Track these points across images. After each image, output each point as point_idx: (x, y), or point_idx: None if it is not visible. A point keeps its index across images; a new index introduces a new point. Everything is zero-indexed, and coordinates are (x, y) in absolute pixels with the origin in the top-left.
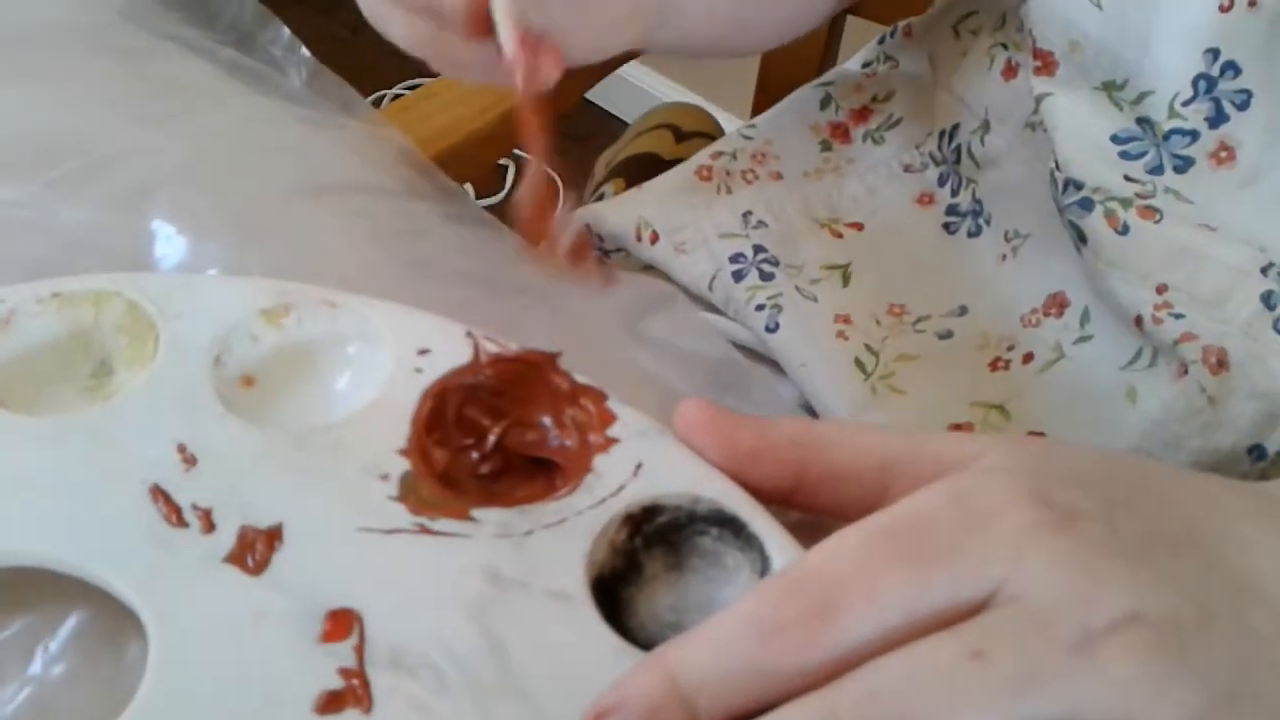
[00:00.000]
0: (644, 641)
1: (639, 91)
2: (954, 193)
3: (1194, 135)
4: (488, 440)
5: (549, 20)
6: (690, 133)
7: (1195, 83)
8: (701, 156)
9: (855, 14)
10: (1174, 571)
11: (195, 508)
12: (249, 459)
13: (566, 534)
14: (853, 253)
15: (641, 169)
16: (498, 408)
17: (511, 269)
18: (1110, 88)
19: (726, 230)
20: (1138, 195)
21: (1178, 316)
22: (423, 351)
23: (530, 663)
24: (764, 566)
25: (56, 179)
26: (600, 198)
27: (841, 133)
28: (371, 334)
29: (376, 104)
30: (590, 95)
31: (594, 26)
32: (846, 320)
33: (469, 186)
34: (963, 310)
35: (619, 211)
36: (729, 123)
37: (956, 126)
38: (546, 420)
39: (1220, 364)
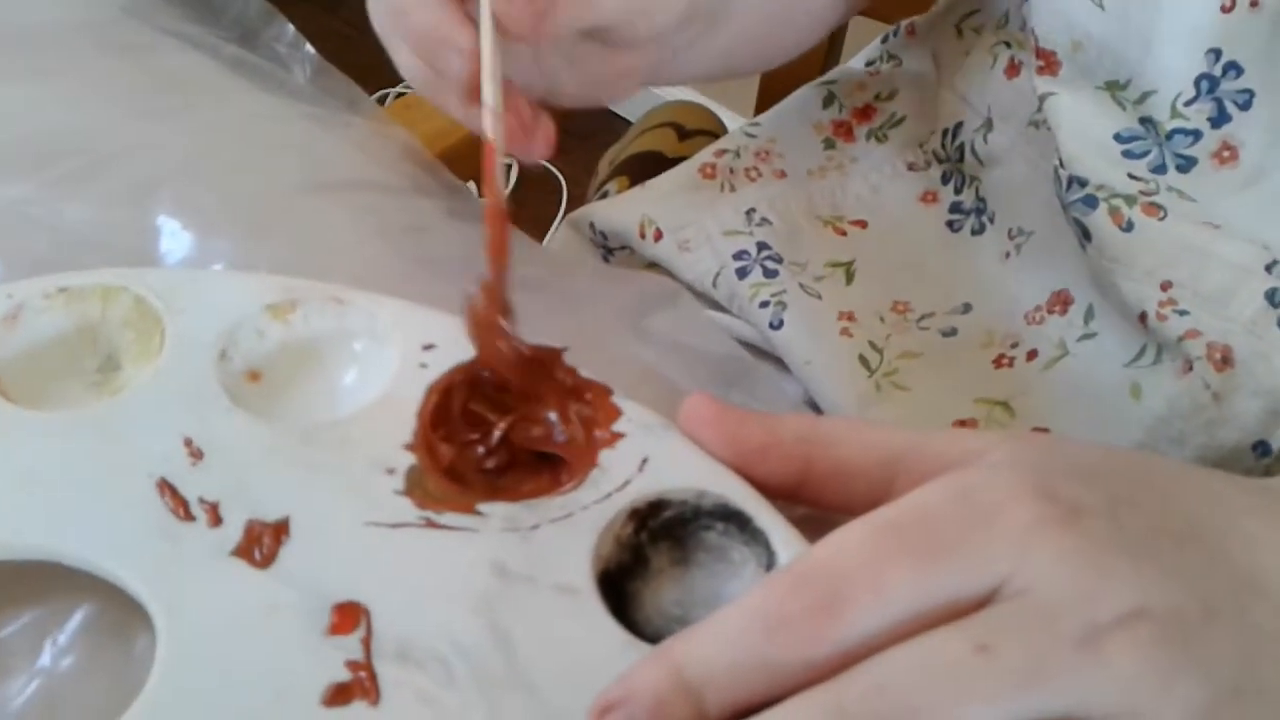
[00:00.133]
0: (650, 636)
1: (642, 90)
2: (957, 191)
3: (1196, 135)
4: (493, 435)
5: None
6: (693, 131)
7: (1197, 83)
8: (705, 154)
9: (860, 13)
10: (1178, 566)
11: (202, 501)
12: (256, 453)
13: (573, 528)
14: (856, 250)
15: (645, 167)
16: (503, 403)
17: (517, 266)
18: (1113, 87)
19: (730, 228)
20: (1142, 193)
21: (1182, 313)
22: (428, 347)
23: (537, 656)
24: (770, 561)
25: (61, 176)
26: (604, 195)
27: (845, 131)
28: (378, 330)
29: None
30: None
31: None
32: (850, 317)
33: (471, 184)
34: (966, 307)
35: (623, 209)
36: (732, 121)
37: (960, 125)
38: (552, 415)
39: (1225, 361)
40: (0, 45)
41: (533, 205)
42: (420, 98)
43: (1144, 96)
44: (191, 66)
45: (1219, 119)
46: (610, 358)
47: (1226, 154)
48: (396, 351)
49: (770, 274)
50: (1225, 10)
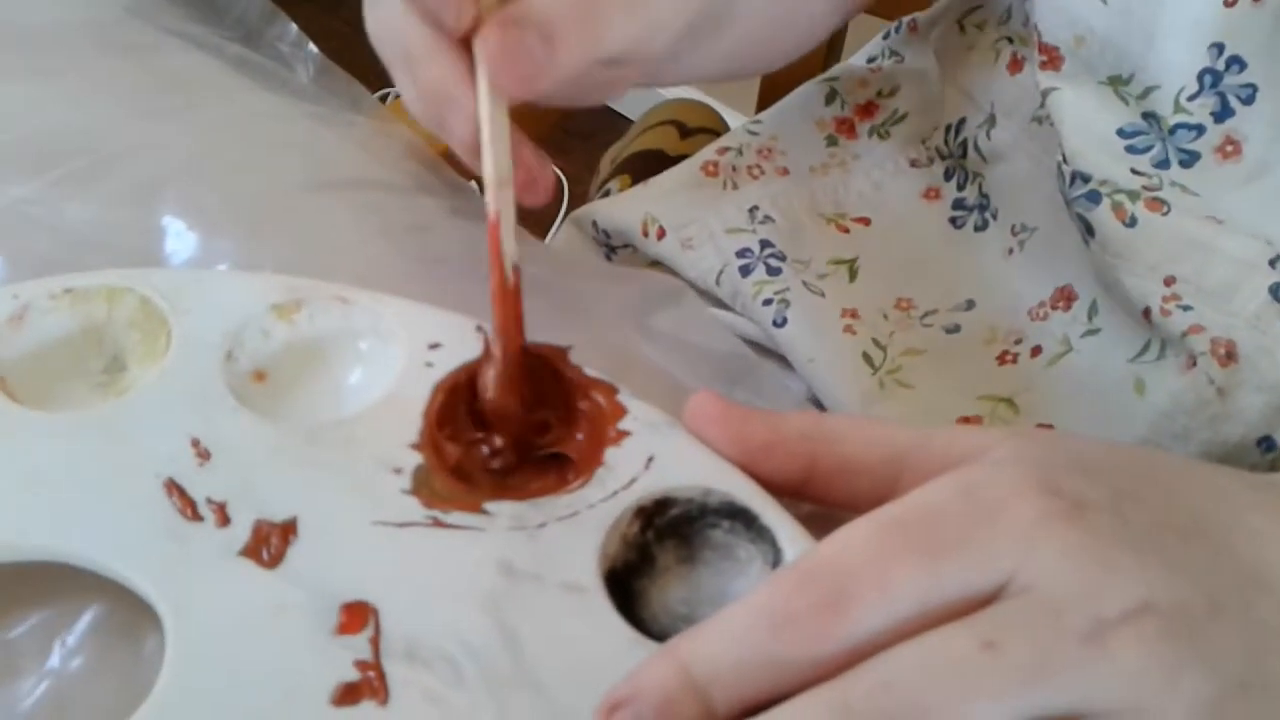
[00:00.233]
0: (657, 634)
1: (643, 88)
2: (960, 187)
3: (1200, 130)
4: (495, 439)
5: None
6: (695, 129)
7: (1200, 77)
8: (707, 152)
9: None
10: (1184, 561)
11: (210, 501)
12: (262, 453)
13: (579, 527)
14: (859, 247)
15: (647, 165)
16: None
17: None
18: (1116, 82)
19: (733, 225)
20: (1145, 188)
21: (1186, 309)
22: (434, 346)
23: (544, 654)
24: (776, 558)
25: (64, 176)
26: (606, 194)
27: (847, 128)
28: (383, 329)
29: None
30: None
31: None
32: (854, 315)
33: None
34: (970, 304)
35: (625, 207)
36: (733, 119)
37: (963, 121)
38: (558, 414)
39: (1229, 356)
40: (3, 45)
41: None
42: None
43: (1147, 91)
44: (195, 66)
45: (1222, 113)
46: (615, 356)
47: (1229, 149)
48: (402, 350)
49: (773, 272)
50: (1228, 4)
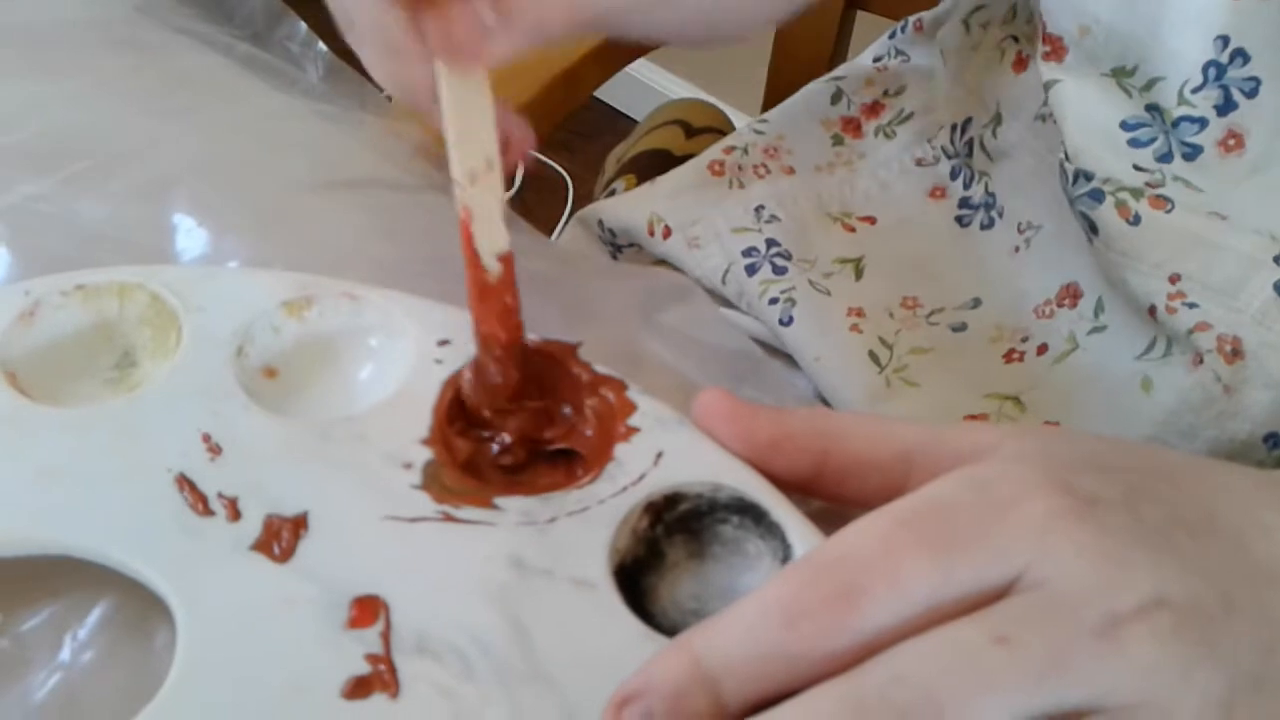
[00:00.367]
0: (666, 629)
1: (647, 89)
2: (966, 186)
3: (1203, 123)
4: (502, 437)
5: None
6: (701, 128)
7: (1205, 70)
8: (713, 151)
9: (865, 9)
10: (1196, 558)
11: (221, 496)
12: (273, 449)
13: (589, 522)
14: (865, 246)
15: (652, 165)
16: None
17: (530, 262)
18: (1120, 74)
19: (739, 224)
20: (1148, 185)
21: (1191, 306)
22: (443, 343)
23: (554, 648)
24: (785, 554)
25: (75, 174)
26: (612, 194)
27: (853, 127)
28: (393, 326)
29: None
30: (599, 93)
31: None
32: (860, 313)
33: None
34: (976, 302)
35: (631, 207)
36: (738, 119)
37: (969, 120)
38: (567, 410)
39: (1235, 353)
40: (14, 44)
41: (539, 204)
42: None
43: (1151, 83)
44: (204, 65)
45: (1225, 107)
46: (623, 353)
47: (1232, 142)
48: (412, 347)
49: (779, 271)
50: None
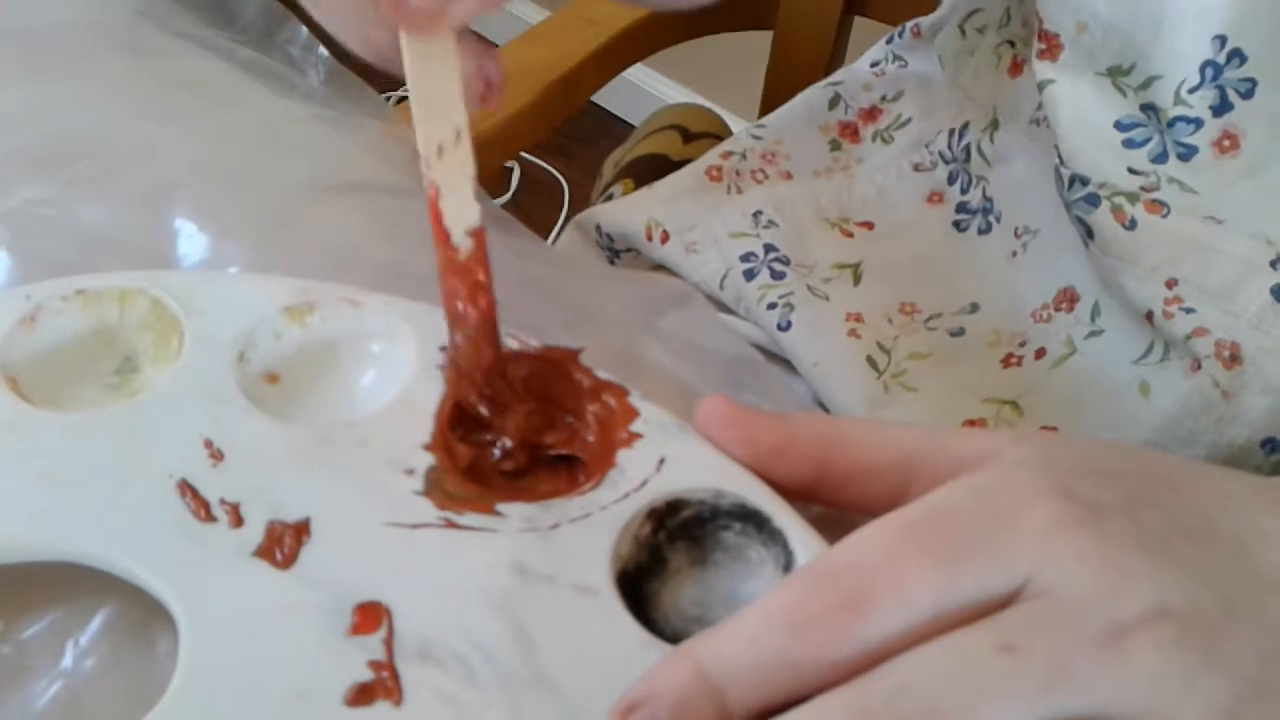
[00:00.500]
0: (669, 635)
1: (644, 94)
2: (964, 191)
3: (1198, 123)
4: (503, 442)
5: None
6: (698, 133)
7: (1203, 69)
8: (711, 156)
9: (862, 15)
10: (1198, 565)
11: (223, 502)
12: (275, 455)
13: (591, 528)
14: (863, 252)
15: (650, 169)
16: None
17: (529, 266)
18: (1116, 73)
19: (737, 230)
20: (1143, 189)
21: (1189, 311)
22: (445, 348)
23: (557, 655)
24: (788, 561)
25: (76, 178)
26: (609, 198)
27: (851, 132)
28: (394, 331)
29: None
30: (595, 98)
31: None
32: (858, 319)
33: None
34: (974, 307)
35: (629, 212)
36: (735, 124)
37: (966, 125)
38: (569, 416)
39: (1233, 358)
40: (15, 47)
41: (535, 208)
42: None
43: (1148, 82)
44: (206, 69)
45: (1220, 107)
46: (623, 358)
47: (1227, 143)
48: (413, 352)
49: (777, 276)
50: None
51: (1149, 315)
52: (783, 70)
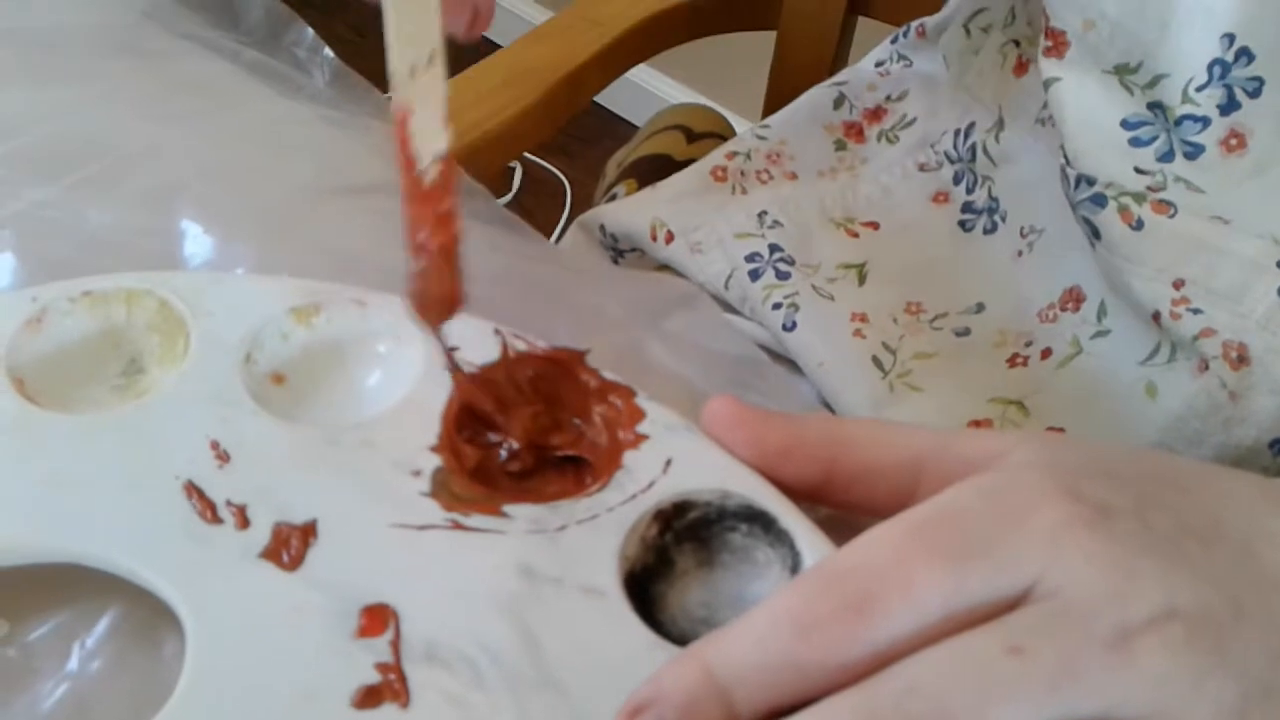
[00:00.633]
0: (676, 637)
1: (647, 94)
2: (969, 190)
3: (1205, 122)
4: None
5: None
6: (702, 133)
7: (1210, 68)
8: (716, 156)
9: (866, 15)
10: (1207, 567)
11: (229, 504)
12: (282, 456)
13: (598, 530)
14: (869, 252)
15: (653, 169)
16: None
17: (535, 266)
18: (1123, 71)
19: (742, 230)
20: (1149, 189)
21: (1196, 312)
22: (452, 349)
23: (565, 657)
24: (794, 562)
25: (82, 180)
26: (612, 198)
27: (855, 132)
28: (401, 332)
29: None
30: (598, 98)
31: None
32: (863, 319)
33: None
34: (980, 307)
35: (633, 212)
36: (739, 125)
37: (972, 125)
38: (576, 417)
39: (1241, 359)
40: (19, 49)
41: (537, 208)
42: None
43: (1155, 80)
44: (211, 71)
45: (1228, 106)
46: (628, 359)
47: (1234, 142)
48: (420, 354)
49: (783, 276)
50: None
51: (1156, 316)
52: (786, 70)
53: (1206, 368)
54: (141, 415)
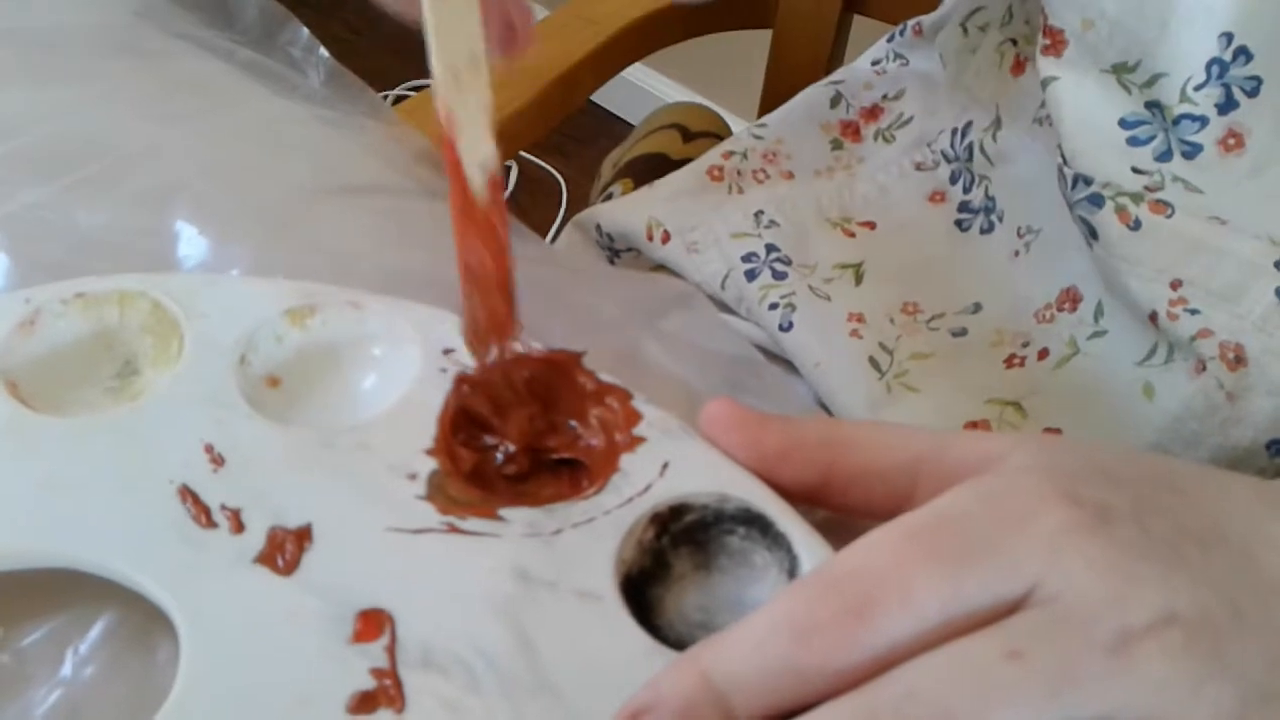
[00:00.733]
0: (673, 641)
1: (643, 93)
2: (966, 190)
3: (1203, 121)
4: (506, 445)
5: None
6: (698, 133)
7: (1209, 67)
8: (712, 156)
9: (862, 13)
10: (1205, 571)
11: (224, 508)
12: (276, 459)
13: (595, 533)
14: (865, 252)
15: (649, 169)
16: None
17: (531, 268)
18: (1121, 70)
19: (738, 230)
20: (1147, 189)
21: (1193, 312)
22: (447, 351)
23: (561, 661)
24: (792, 565)
25: (77, 181)
26: (608, 197)
27: (852, 131)
28: (396, 334)
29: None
30: (594, 97)
31: None
32: (860, 319)
33: None
34: (976, 307)
35: (629, 211)
36: (735, 124)
37: (969, 124)
38: (572, 420)
39: (1238, 360)
40: (13, 50)
41: (533, 207)
42: (422, 102)
43: (1153, 79)
44: (206, 71)
45: (1226, 105)
46: (624, 359)
47: (1232, 141)
48: (416, 356)
49: (779, 276)
50: None
51: (1153, 316)
52: (782, 69)
53: (1204, 368)
54: (135, 418)
